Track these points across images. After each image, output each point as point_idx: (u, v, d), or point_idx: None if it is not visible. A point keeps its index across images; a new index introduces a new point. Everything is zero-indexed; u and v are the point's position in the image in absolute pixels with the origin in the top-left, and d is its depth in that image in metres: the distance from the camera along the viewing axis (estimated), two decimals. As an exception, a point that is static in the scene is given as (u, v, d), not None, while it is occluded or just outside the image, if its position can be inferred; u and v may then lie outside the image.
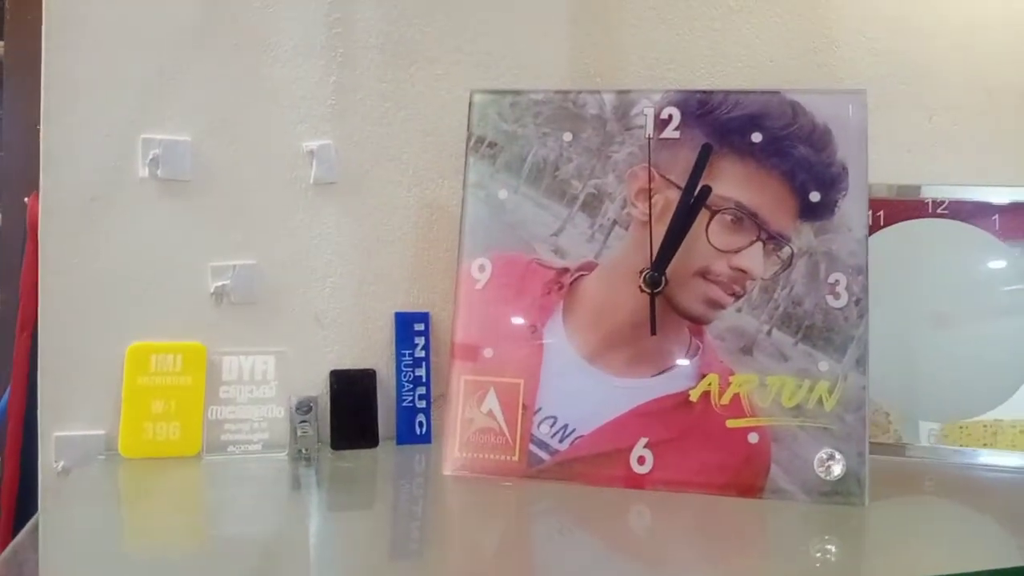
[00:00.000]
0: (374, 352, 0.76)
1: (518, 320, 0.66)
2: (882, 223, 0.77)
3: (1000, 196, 0.75)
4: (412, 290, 0.77)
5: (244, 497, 0.65)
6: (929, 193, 0.76)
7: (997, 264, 0.74)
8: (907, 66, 0.89)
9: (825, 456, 0.60)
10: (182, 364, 0.71)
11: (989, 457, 0.71)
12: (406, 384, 0.75)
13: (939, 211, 0.76)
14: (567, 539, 0.59)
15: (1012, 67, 0.91)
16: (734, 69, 0.84)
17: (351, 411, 0.74)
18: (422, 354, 0.75)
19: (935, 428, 0.73)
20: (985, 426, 0.71)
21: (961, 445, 0.71)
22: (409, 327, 0.76)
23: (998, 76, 0.91)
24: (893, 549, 0.56)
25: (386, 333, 0.77)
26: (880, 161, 0.91)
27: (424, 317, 0.75)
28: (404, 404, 0.75)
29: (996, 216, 0.75)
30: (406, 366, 0.75)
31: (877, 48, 0.88)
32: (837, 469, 0.60)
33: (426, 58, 0.78)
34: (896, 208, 0.77)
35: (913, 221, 0.76)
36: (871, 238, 0.77)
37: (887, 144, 0.88)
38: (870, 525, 0.60)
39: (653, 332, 0.63)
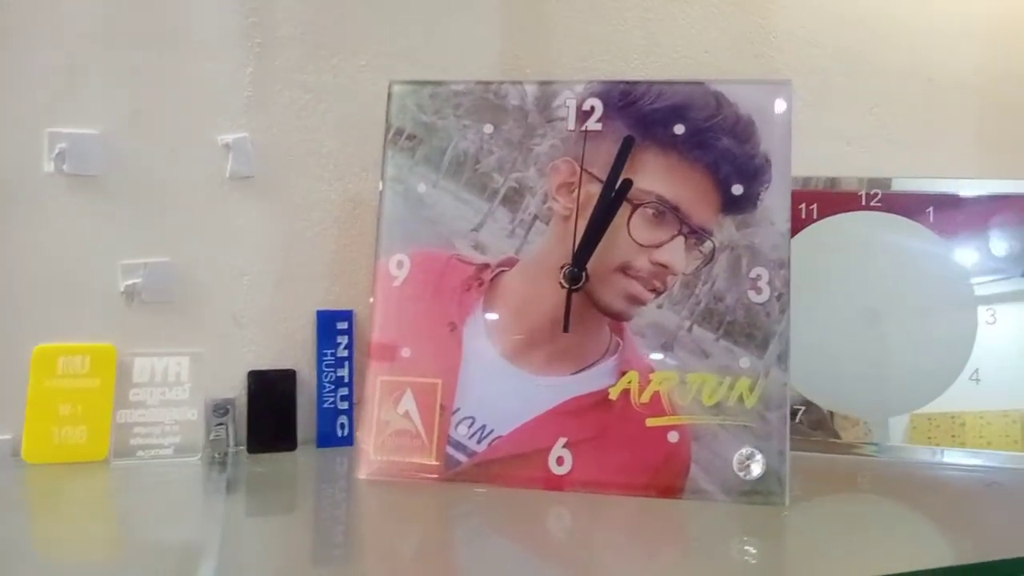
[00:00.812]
0: (295, 352, 0.74)
1: (437, 318, 0.64)
2: (815, 216, 0.76)
3: (935, 188, 0.75)
4: (334, 287, 0.75)
5: (152, 503, 0.62)
6: (864, 186, 0.76)
7: (931, 257, 0.73)
8: (847, 57, 0.88)
9: (744, 455, 0.59)
10: (90, 366, 0.68)
11: (924, 454, 0.70)
12: (327, 385, 0.73)
13: (873, 204, 0.75)
14: (485, 543, 0.57)
15: (954, 58, 0.91)
16: (669, 60, 0.82)
17: (269, 413, 0.71)
18: (345, 354, 0.73)
19: (867, 423, 0.72)
20: (953, 417, 0.70)
21: (929, 437, 0.70)
22: (331, 326, 0.73)
23: (940, 67, 0.91)
24: (809, 551, 0.55)
25: (307, 332, 0.74)
26: (819, 154, 0.90)
27: (347, 315, 0.73)
28: (325, 406, 0.72)
29: (931, 209, 0.74)
30: (328, 366, 0.73)
31: (816, 39, 0.87)
32: (756, 469, 0.58)
33: (348, 48, 0.76)
34: (830, 201, 0.76)
35: (847, 214, 0.75)
36: (804, 232, 0.77)
37: (827, 136, 0.87)
38: (788, 526, 0.58)
39: (566, 329, 0.62)
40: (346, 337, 0.73)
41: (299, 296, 0.74)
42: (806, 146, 0.90)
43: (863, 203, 0.75)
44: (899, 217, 0.74)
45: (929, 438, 0.70)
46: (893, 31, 0.90)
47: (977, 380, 0.71)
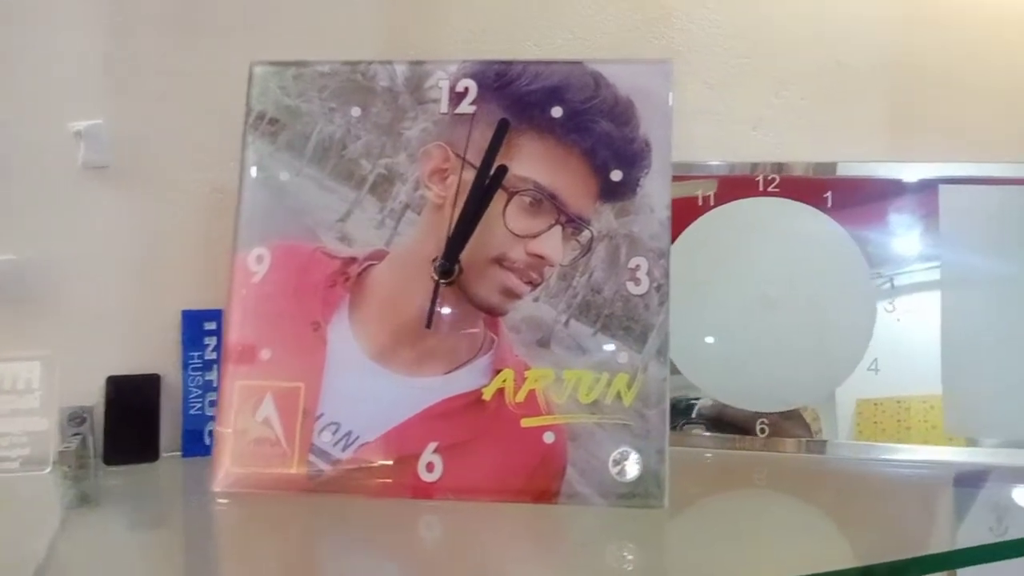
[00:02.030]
0: (159, 355, 0.68)
1: (299, 317, 0.59)
2: (712, 203, 0.73)
3: (833, 172, 0.72)
4: (201, 285, 0.69)
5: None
6: (762, 170, 0.73)
7: (828, 244, 0.71)
8: (751, 39, 0.85)
9: (619, 457, 0.56)
10: (-74, 375, 0.63)
11: (852, 451, 0.68)
12: (194, 390, 0.68)
13: (770, 189, 0.73)
14: (348, 560, 0.53)
15: (863, 40, 0.89)
16: (564, 41, 0.79)
17: (130, 421, 0.66)
18: (213, 356, 0.68)
19: (765, 418, 0.70)
20: (899, 402, 0.68)
21: (875, 422, 0.68)
22: (198, 326, 0.68)
23: (849, 49, 0.88)
24: (687, 558, 0.53)
25: (172, 334, 0.69)
26: (723, 138, 0.88)
27: (215, 315, 0.68)
28: (192, 412, 0.67)
29: (829, 193, 0.72)
30: (195, 370, 0.68)
31: (720, 21, 0.84)
32: (632, 470, 0.55)
33: (214, 28, 0.70)
34: (728, 186, 0.73)
35: (744, 200, 0.73)
36: (702, 218, 0.75)
37: (731, 120, 0.84)
38: (666, 530, 0.55)
39: (428, 326, 0.58)
40: (214, 338, 0.68)
41: (163, 295, 0.69)
42: (709, 130, 0.89)
43: (761, 188, 0.73)
44: (796, 202, 0.71)
45: (875, 425, 0.68)
46: (800, 13, 0.87)
47: (876, 370, 0.69)
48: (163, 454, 0.67)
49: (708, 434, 0.70)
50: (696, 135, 0.84)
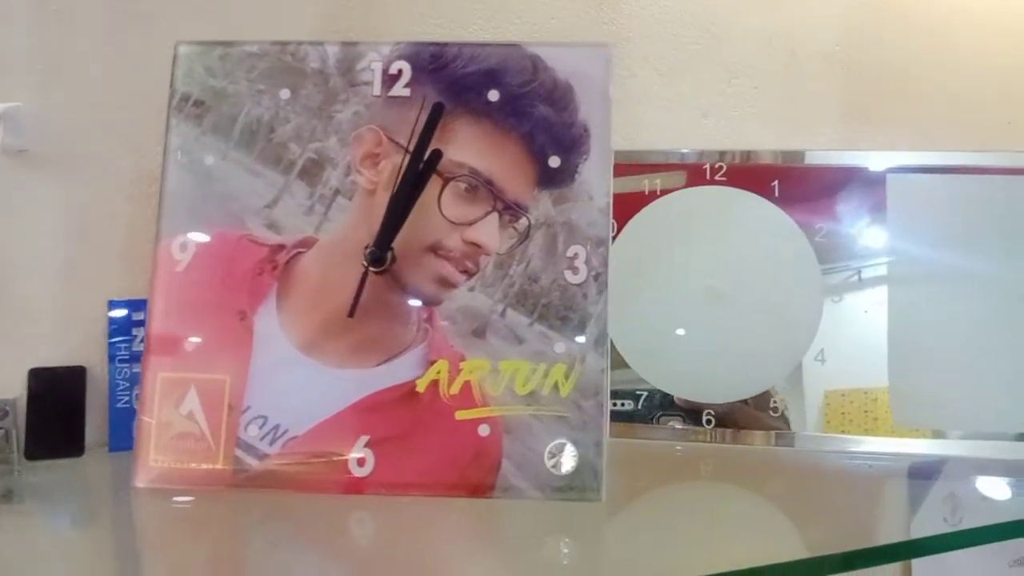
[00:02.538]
0: (84, 347, 0.66)
1: (225, 306, 0.57)
2: (659, 192, 0.72)
3: (779, 160, 0.72)
4: (129, 274, 0.67)
5: None
6: (707, 158, 0.72)
7: (774, 233, 0.70)
8: (703, 26, 0.84)
9: (555, 449, 0.54)
10: None
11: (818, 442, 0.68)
12: (121, 383, 0.65)
13: (717, 178, 0.72)
14: (275, 559, 0.51)
15: (817, 30, 0.88)
16: (512, 26, 0.77)
17: (54, 415, 0.63)
18: (141, 347, 0.65)
19: (711, 411, 0.69)
20: (866, 392, 0.67)
21: (843, 413, 0.67)
22: (125, 317, 0.65)
23: (802, 38, 0.88)
24: (624, 551, 0.51)
25: (99, 325, 0.66)
26: (674, 127, 0.87)
27: (143, 305, 0.65)
28: (119, 405, 0.65)
29: (776, 182, 0.71)
30: (122, 362, 0.65)
31: (671, 8, 0.83)
32: (567, 463, 0.54)
33: (143, 7, 0.68)
34: (676, 175, 0.72)
35: (691, 189, 0.72)
36: (649, 207, 0.73)
37: (682, 108, 0.83)
38: (603, 523, 0.54)
39: (350, 315, 0.56)
40: (142, 329, 0.65)
41: (88, 284, 0.66)
42: (660, 118, 0.88)
43: (708, 177, 0.72)
44: (742, 191, 0.70)
45: (843, 416, 0.67)
46: (754, 2, 0.87)
47: (823, 361, 0.68)
48: (89, 449, 0.65)
49: (682, 427, 0.68)
50: (645, 122, 0.83)
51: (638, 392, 0.69)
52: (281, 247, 0.58)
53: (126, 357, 0.66)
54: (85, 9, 0.67)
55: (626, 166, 0.72)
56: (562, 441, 0.55)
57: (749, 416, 0.68)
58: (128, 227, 0.68)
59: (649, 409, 0.69)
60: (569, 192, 0.58)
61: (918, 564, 0.93)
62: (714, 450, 0.69)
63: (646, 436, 0.69)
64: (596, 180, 0.58)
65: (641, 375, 0.69)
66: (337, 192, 0.59)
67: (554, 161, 0.58)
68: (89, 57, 0.67)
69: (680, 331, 0.69)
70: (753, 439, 0.68)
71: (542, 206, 0.58)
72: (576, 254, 0.57)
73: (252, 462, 0.56)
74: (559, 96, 0.58)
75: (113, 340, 0.66)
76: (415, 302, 0.57)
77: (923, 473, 0.68)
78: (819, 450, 0.67)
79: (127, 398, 0.65)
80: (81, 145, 0.67)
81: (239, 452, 0.56)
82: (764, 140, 0.85)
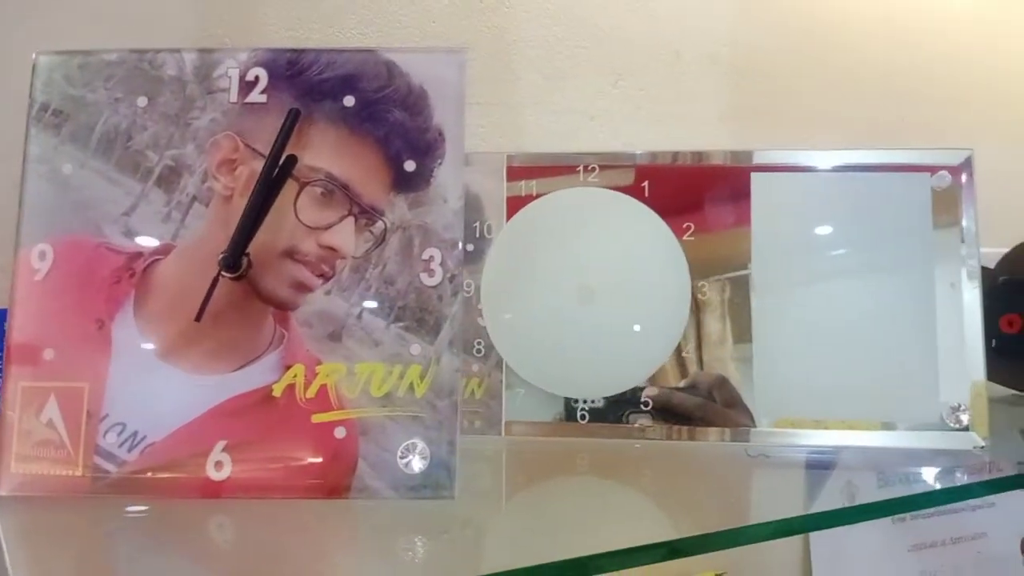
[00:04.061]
0: (-49, 357, 0.66)
1: (83, 315, 0.58)
2: (535, 194, 0.74)
3: (649, 160, 0.73)
4: (-5, 284, 0.67)
5: None
6: (582, 160, 0.73)
7: (644, 232, 0.71)
8: (587, 28, 0.86)
9: (406, 449, 0.56)
10: None
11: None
12: (-10, 392, 0.65)
13: (590, 180, 0.73)
14: (132, 566, 0.51)
15: (703, 31, 0.90)
16: (392, 29, 0.78)
17: (-81, 428, 0.64)
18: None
19: (585, 407, 0.70)
20: None
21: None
22: (-7, 327, 0.66)
23: (688, 41, 0.90)
24: (474, 548, 0.53)
25: (-37, 335, 0.67)
26: (559, 129, 0.89)
27: (3, 315, 0.65)
28: (-12, 415, 0.65)
29: (646, 183, 0.73)
30: (-11, 372, 0.66)
31: (555, 10, 0.85)
32: (419, 462, 0.55)
33: (5, 17, 0.68)
34: (546, 176, 0.74)
35: (564, 191, 0.73)
36: (523, 211, 0.75)
37: (567, 111, 0.85)
38: (456, 521, 0.55)
39: (196, 319, 0.57)
40: (2, 340, 0.65)
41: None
42: (545, 121, 0.89)
43: (581, 179, 0.73)
44: (614, 192, 0.72)
45: None
46: (638, 4, 0.88)
47: (689, 355, 0.70)
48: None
49: (655, 424, 0.69)
50: (529, 125, 0.85)
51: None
52: (138, 254, 0.59)
53: (-6, 367, 0.66)
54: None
55: (515, 169, 0.73)
56: (414, 441, 0.56)
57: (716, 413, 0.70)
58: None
59: (620, 405, 0.70)
60: (424, 196, 0.59)
61: (817, 552, 0.96)
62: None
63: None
64: (451, 183, 0.59)
65: (519, 372, 0.71)
66: (194, 199, 0.59)
67: (409, 165, 0.59)
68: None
69: (554, 330, 0.71)
70: (707, 435, 0.69)
71: (398, 210, 0.59)
72: (432, 256, 0.58)
73: (111, 469, 0.56)
74: (414, 101, 0.59)
75: (-20, 350, 0.66)
76: (271, 307, 0.58)
77: (820, 464, 0.71)
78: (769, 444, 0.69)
79: (-3, 408, 0.65)
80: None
81: (98, 459, 0.57)
82: (651, 141, 0.87)
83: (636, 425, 0.71)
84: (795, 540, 0.92)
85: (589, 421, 0.71)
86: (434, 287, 0.58)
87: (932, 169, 0.69)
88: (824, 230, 0.70)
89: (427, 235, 0.58)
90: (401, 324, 0.58)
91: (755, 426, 0.69)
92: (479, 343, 0.71)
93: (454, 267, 0.58)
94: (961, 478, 0.65)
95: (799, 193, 0.71)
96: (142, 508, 0.55)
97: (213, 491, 0.56)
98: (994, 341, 0.80)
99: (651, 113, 0.90)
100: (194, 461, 0.56)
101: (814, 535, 0.95)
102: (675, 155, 0.72)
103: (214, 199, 0.59)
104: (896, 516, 0.99)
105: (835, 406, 0.68)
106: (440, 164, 0.59)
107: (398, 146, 0.59)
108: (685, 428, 0.70)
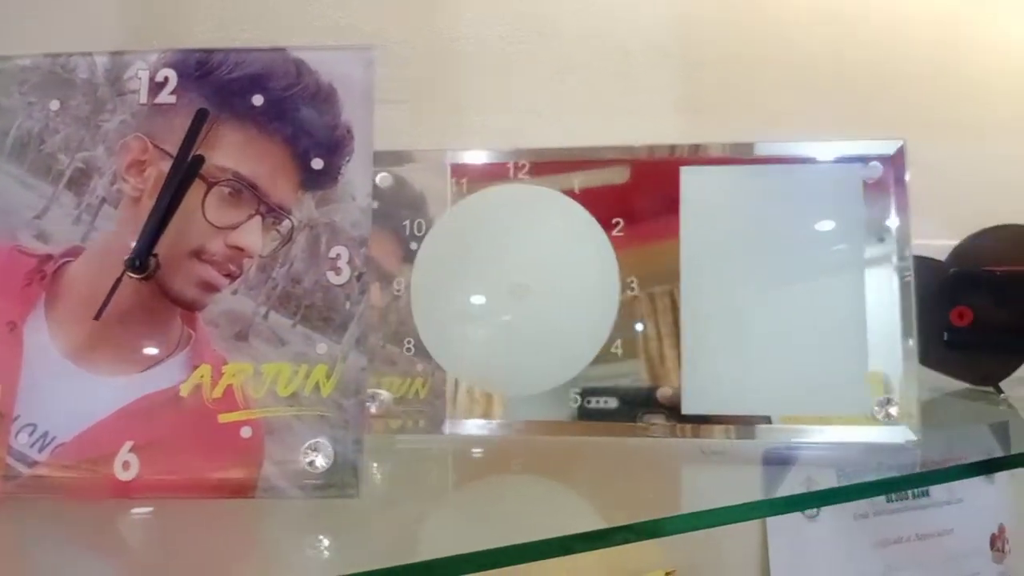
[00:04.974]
0: None
1: (-4, 317, 0.59)
2: (465, 191, 0.73)
3: (581, 156, 0.72)
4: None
5: None
6: (512, 157, 0.73)
7: (573, 227, 0.71)
8: (531, 24, 0.85)
9: (308, 448, 0.55)
10: None
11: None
12: (-81, 395, 0.66)
13: (521, 175, 0.73)
14: (36, 566, 0.52)
15: (651, 27, 0.89)
16: (323, 26, 0.78)
17: None
18: (-63, 360, 0.66)
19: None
20: None
21: None
22: (-77, 330, 0.67)
23: (636, 36, 0.89)
24: (378, 545, 0.52)
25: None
26: (506, 126, 0.88)
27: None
28: (-83, 418, 0.66)
29: (576, 179, 0.72)
30: (-80, 375, 0.66)
31: (497, 6, 0.84)
32: (320, 461, 0.55)
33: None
34: (481, 173, 0.73)
35: (492, 188, 0.72)
36: (455, 207, 0.74)
37: (513, 108, 0.84)
38: (358, 520, 0.55)
39: (96, 317, 0.57)
40: (-63, 342, 0.66)
41: None
42: (490, 119, 0.88)
43: (512, 175, 0.72)
44: (543, 188, 0.71)
45: None
46: (586, 3, 0.88)
47: (619, 353, 0.69)
48: None
49: (667, 423, 0.68)
50: (474, 123, 0.84)
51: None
52: (49, 257, 0.59)
53: (-75, 370, 0.66)
54: None
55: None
56: (319, 440, 0.55)
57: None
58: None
59: (632, 406, 0.69)
60: (332, 193, 0.59)
61: (775, 548, 0.94)
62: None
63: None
64: (359, 181, 0.58)
65: (448, 369, 0.70)
66: (104, 201, 0.59)
67: (317, 163, 0.59)
68: None
69: (485, 326, 0.70)
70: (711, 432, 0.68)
71: (305, 208, 0.58)
72: (339, 255, 0.58)
73: (23, 469, 0.57)
74: (322, 99, 0.59)
75: (-88, 353, 0.66)
76: (179, 307, 0.58)
77: (777, 459, 0.70)
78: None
79: (-74, 410, 0.66)
80: None
81: (11, 460, 0.57)
82: (598, 137, 0.86)
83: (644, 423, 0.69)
84: (753, 539, 0.91)
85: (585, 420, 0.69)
86: (341, 285, 0.58)
87: (865, 159, 0.68)
88: (755, 223, 0.69)
89: (335, 233, 0.58)
90: (307, 323, 0.57)
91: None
92: (409, 341, 0.71)
93: (361, 265, 0.58)
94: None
95: (729, 186, 0.69)
96: (49, 508, 0.56)
97: (121, 491, 0.56)
98: (946, 334, 0.78)
99: (598, 109, 0.88)
100: (102, 461, 0.56)
101: (772, 533, 0.93)
102: (605, 150, 0.72)
103: (123, 201, 0.59)
104: (859, 513, 0.97)
105: (768, 402, 0.67)
106: (348, 161, 0.58)
107: (306, 144, 0.59)
108: (689, 426, 0.69)
